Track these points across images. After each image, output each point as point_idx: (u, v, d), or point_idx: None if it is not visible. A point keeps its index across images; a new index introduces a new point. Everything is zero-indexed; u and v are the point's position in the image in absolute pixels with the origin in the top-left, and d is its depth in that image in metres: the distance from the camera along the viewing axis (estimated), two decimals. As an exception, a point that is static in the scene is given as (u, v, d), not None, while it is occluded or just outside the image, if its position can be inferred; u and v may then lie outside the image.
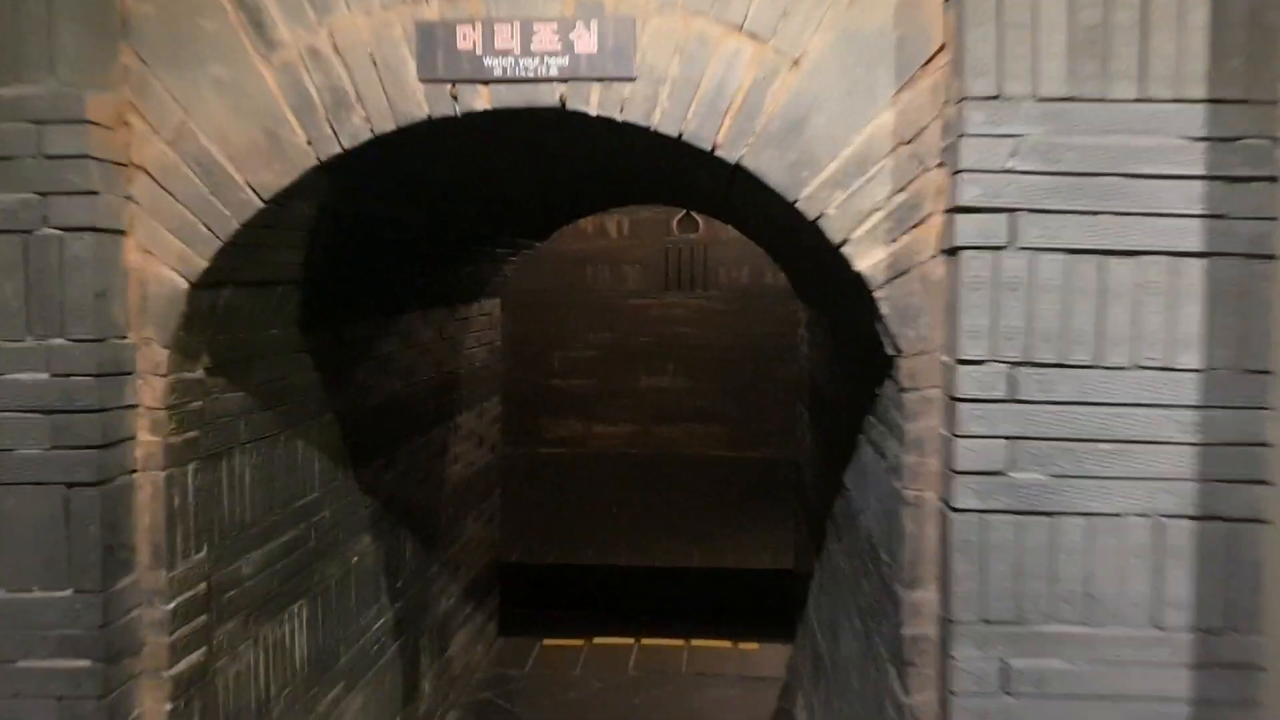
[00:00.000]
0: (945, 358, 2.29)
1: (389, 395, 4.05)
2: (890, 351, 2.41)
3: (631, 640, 5.90)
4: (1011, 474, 2.17)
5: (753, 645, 5.82)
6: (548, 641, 5.91)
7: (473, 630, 5.36)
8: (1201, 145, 2.09)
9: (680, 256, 10.47)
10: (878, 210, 2.34)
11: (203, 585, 2.65)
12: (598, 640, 5.91)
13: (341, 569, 3.59)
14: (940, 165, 2.30)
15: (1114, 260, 2.11)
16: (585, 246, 10.50)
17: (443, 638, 4.81)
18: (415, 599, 4.39)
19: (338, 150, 2.44)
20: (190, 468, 2.59)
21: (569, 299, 10.54)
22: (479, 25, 2.38)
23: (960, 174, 2.14)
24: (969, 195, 2.14)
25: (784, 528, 7.64)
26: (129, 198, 2.44)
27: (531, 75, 2.37)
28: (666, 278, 10.50)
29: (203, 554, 2.66)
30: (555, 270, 10.51)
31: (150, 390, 2.47)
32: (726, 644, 5.83)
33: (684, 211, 10.43)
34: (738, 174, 2.44)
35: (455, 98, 2.39)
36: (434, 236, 4.02)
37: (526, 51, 2.37)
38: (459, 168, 3.20)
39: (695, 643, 5.84)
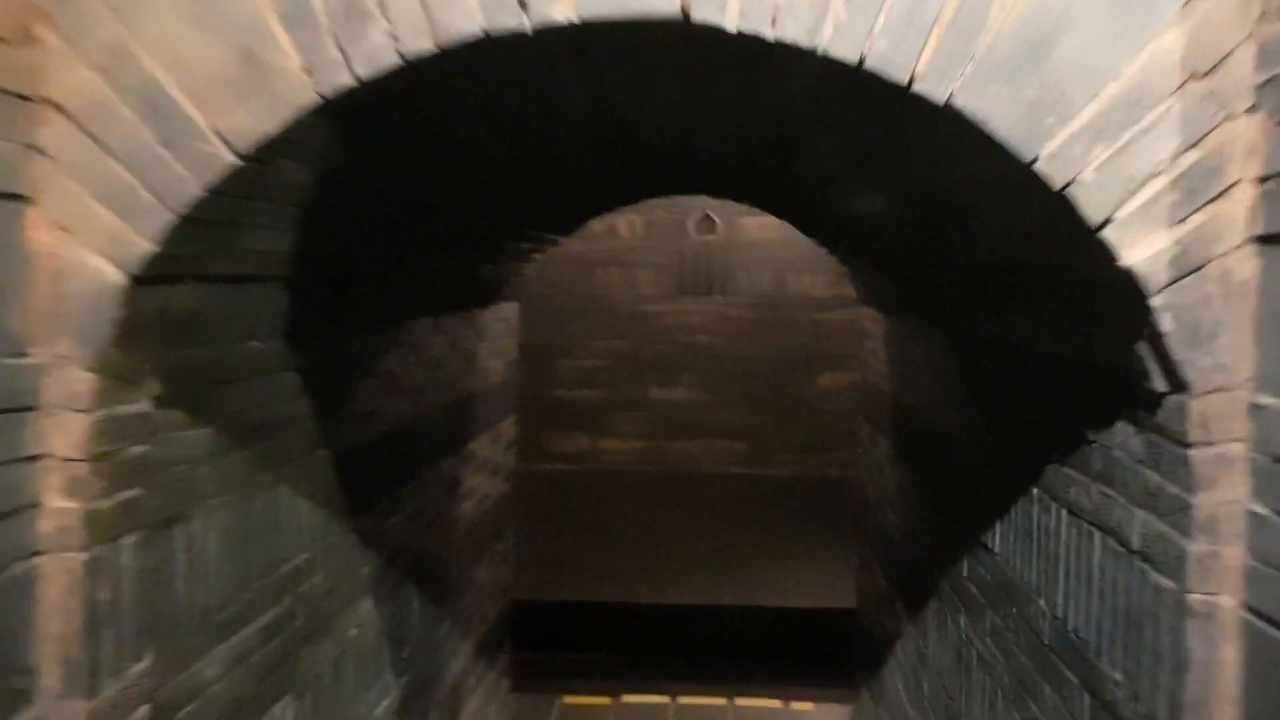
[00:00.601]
0: (1264, 398, 1.52)
1: (395, 422, 3.26)
2: (1160, 387, 1.64)
3: (666, 699, 5.11)
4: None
5: (807, 705, 5.04)
6: (569, 700, 5.11)
7: (485, 692, 4.56)
8: None
9: (697, 259, 9.71)
10: (1158, 175, 1.57)
11: (143, 709, 1.85)
12: (627, 698, 5.12)
13: (336, 648, 2.79)
14: (1253, 110, 1.54)
15: None
16: (594, 247, 9.72)
17: (453, 709, 4.02)
18: (423, 669, 3.59)
19: (348, 81, 1.66)
20: (126, 543, 1.80)
21: (576, 304, 9.76)
22: (561, -104, 1.60)
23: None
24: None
25: (822, 560, 6.88)
26: (35, 148, 1.65)
27: (640, -29, 1.60)
28: (682, 282, 9.73)
29: (144, 664, 1.86)
30: (561, 273, 9.72)
31: (65, 433, 1.68)
32: (776, 704, 5.06)
33: (701, 211, 9.67)
34: (937, 120, 1.66)
35: (524, 4, 1.61)
36: (462, 221, 3.22)
37: (633, -65, 1.59)
38: (510, 124, 2.42)
39: (741, 702, 5.06)
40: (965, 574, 2.89)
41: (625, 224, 9.73)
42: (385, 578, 3.17)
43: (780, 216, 4.68)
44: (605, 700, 5.08)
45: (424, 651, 3.59)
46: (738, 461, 9.67)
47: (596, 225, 9.78)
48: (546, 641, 5.97)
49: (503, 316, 4.71)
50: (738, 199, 4.71)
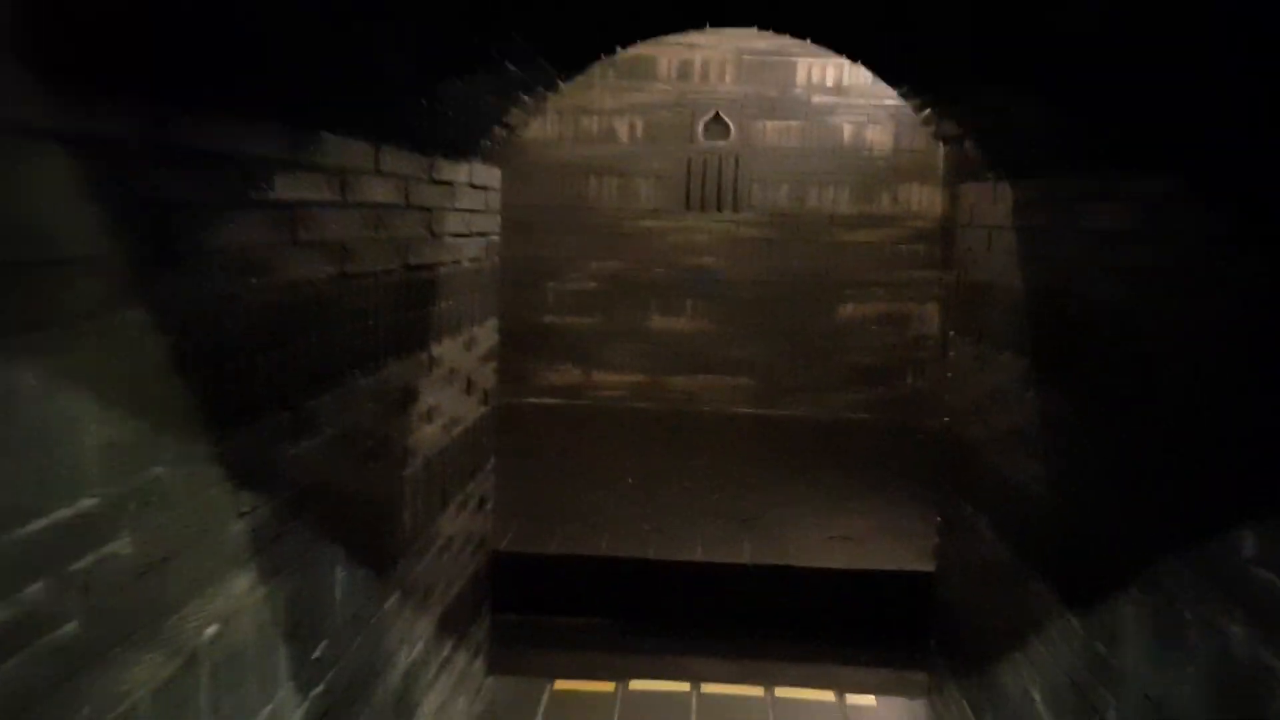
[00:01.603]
0: None
1: (299, 288, 2.02)
2: None
3: (685, 686, 3.94)
4: None
5: (867, 699, 3.88)
6: (561, 685, 3.94)
7: (451, 681, 3.38)
8: None
9: (705, 169, 8.43)
10: None
11: None
12: (636, 684, 3.95)
13: (172, 662, 1.57)
14: None
15: None
16: (588, 153, 8.42)
17: (403, 716, 2.82)
18: (352, 669, 2.38)
19: None
20: None
21: (567, 219, 8.48)
22: None
23: None
24: None
25: (855, 513, 5.72)
26: None
27: None
28: (688, 195, 8.46)
29: None
30: (550, 182, 8.43)
31: None
32: (828, 695, 3.89)
33: (712, 111, 8.37)
34: None
35: None
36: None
37: None
38: None
39: (781, 692, 3.90)
40: (1250, 556, 1.69)
41: (624, 126, 8.42)
42: (280, 537, 1.95)
43: (853, 45, 3.40)
44: (607, 687, 3.91)
45: (354, 640, 2.39)
46: (746, 400, 8.48)
47: (592, 126, 8.49)
48: (533, 607, 4.80)
49: (481, 182, 3.45)
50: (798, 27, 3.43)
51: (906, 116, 8.12)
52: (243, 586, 1.81)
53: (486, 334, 3.65)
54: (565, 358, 8.54)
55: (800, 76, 8.33)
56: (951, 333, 3.76)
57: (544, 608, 4.80)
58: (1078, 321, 2.52)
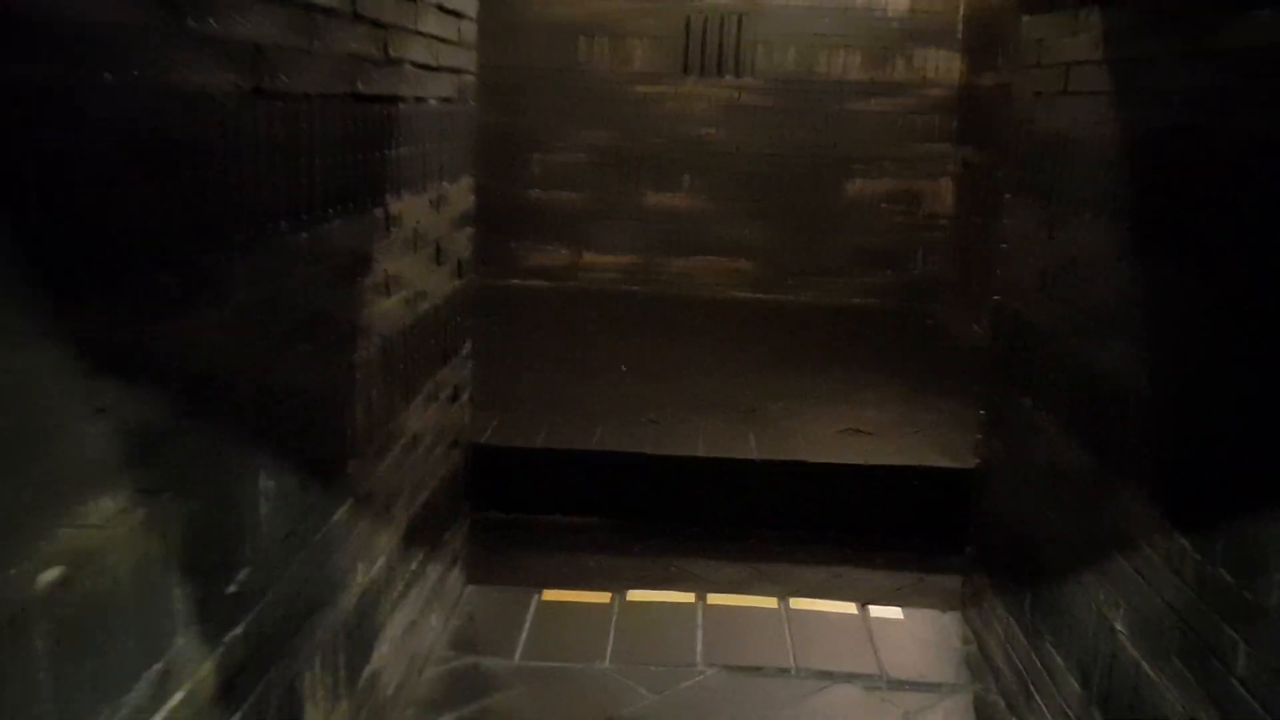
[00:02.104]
0: None
1: (193, 103, 1.45)
2: None
3: (690, 597, 3.50)
4: None
5: (893, 611, 3.45)
6: (550, 594, 3.49)
7: (423, 595, 2.91)
8: None
9: (706, 29, 7.69)
10: None
11: None
12: (634, 594, 3.51)
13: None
14: None
15: None
16: (576, 11, 7.67)
17: (359, 645, 2.35)
18: (287, 596, 1.89)
19: None
20: None
21: (554, 82, 7.77)
22: None
23: None
24: None
25: (868, 404, 5.25)
26: None
27: None
28: (686, 58, 7.74)
29: None
30: (535, 41, 7.70)
31: None
32: (849, 607, 3.46)
33: (714, -34, 7.58)
34: None
35: None
36: None
37: None
38: None
39: (796, 604, 3.46)
40: None
41: (618, -19, 7.64)
42: (165, 441, 1.42)
43: None
44: (602, 597, 3.47)
45: (286, 567, 1.89)
46: (747, 284, 7.94)
47: (582, -19, 7.69)
48: (518, 507, 4.34)
49: (453, 5, 2.83)
50: None
51: (926, -27, 7.38)
52: (107, 511, 1.28)
53: (460, 194, 3.06)
54: (552, 237, 7.94)
55: (811, -73, 7.54)
56: (1008, 195, 3.19)
57: (530, 507, 4.34)
58: (1208, 170, 1.97)
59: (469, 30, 3.02)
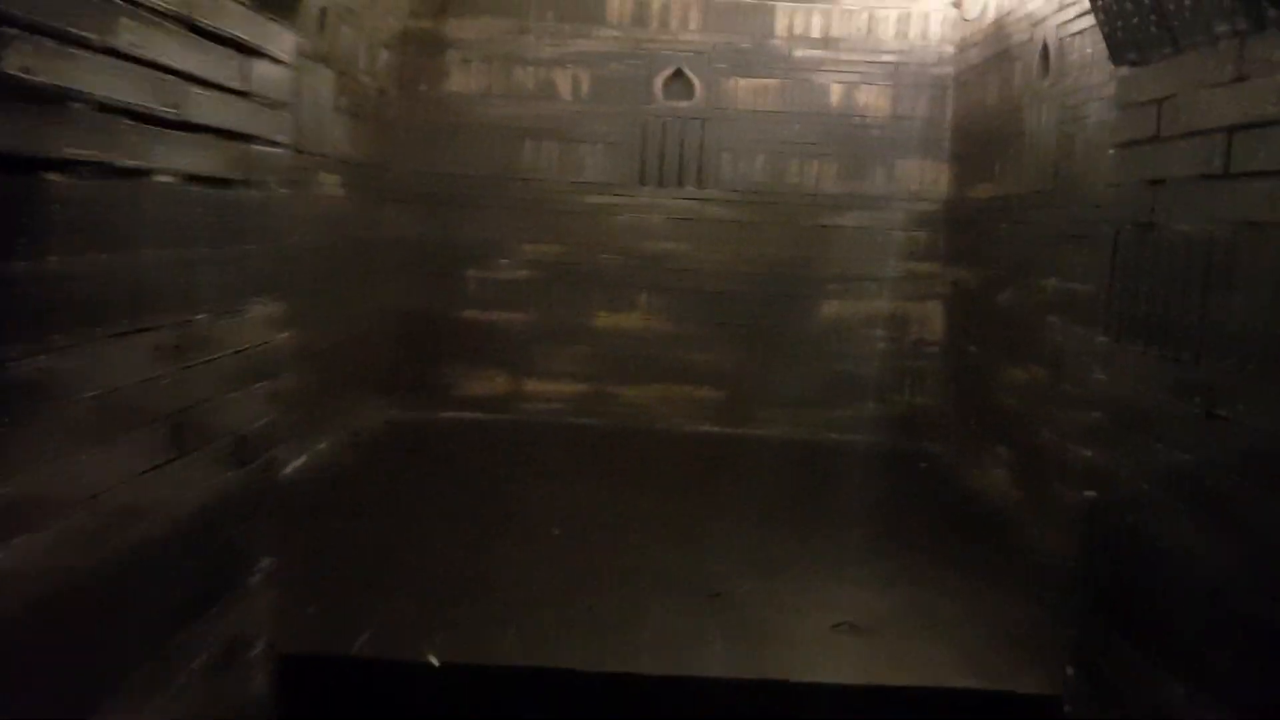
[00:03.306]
0: None
1: None
2: None
3: None
4: None
5: None
6: None
7: None
8: None
9: (664, 135, 6.75)
10: None
11: None
12: None
13: None
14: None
15: None
16: (522, 112, 6.72)
17: None
18: None
19: None
20: None
21: (495, 192, 6.76)
22: None
23: None
24: None
25: (858, 584, 4.09)
26: None
27: None
28: (643, 167, 6.78)
29: None
30: (475, 146, 6.72)
31: None
32: None
33: (673, 66, 6.70)
34: None
35: None
36: None
37: None
38: None
39: None
40: None
41: (566, 81, 6.72)
42: None
43: None
44: None
45: None
46: (711, 417, 6.82)
47: (525, 80, 6.75)
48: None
49: (231, 32, 1.74)
50: None
51: (907, 75, 6.53)
52: None
53: (248, 330, 1.93)
54: (490, 363, 6.81)
55: (780, 24, 6.69)
56: (1103, 339, 2.09)
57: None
58: None
59: (272, 79, 1.93)
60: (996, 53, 5.75)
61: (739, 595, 3.89)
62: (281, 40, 2.00)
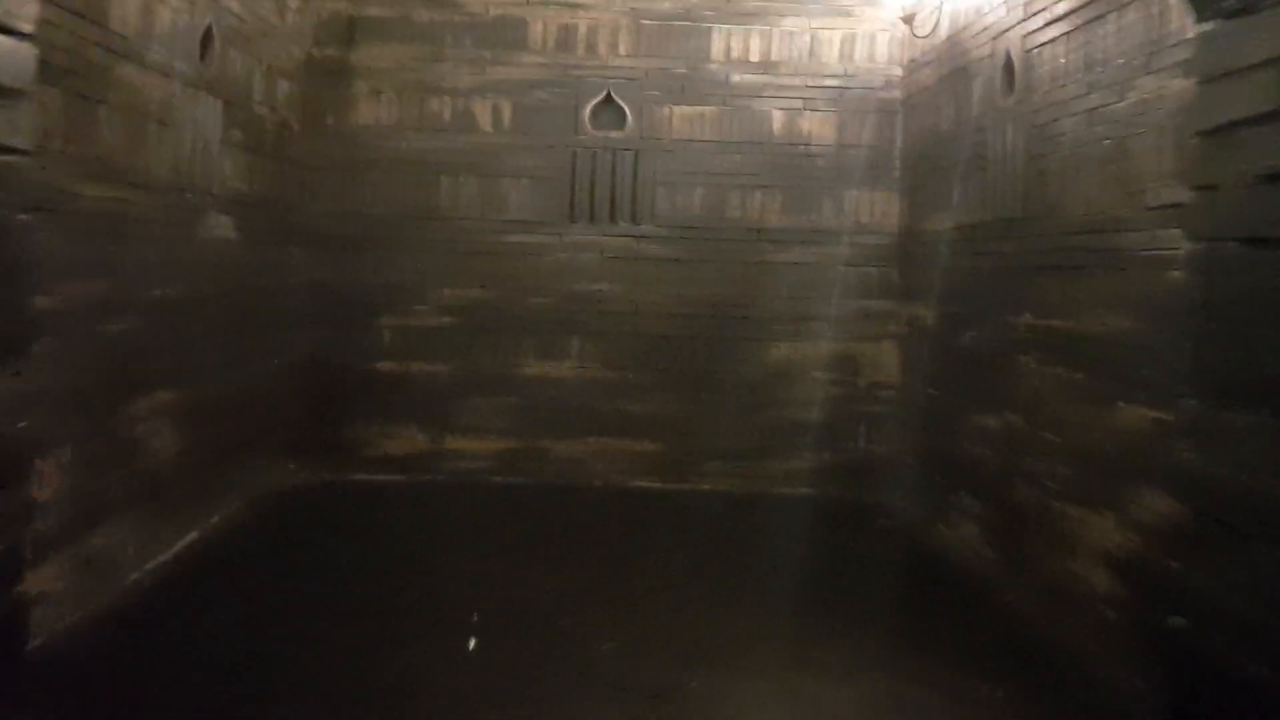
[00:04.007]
0: None
1: None
2: None
3: None
4: None
5: None
6: None
7: None
8: None
9: (595, 168, 6.20)
10: None
11: None
12: None
13: None
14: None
15: None
16: (439, 146, 6.13)
17: None
18: None
19: None
20: None
21: (410, 232, 6.15)
22: None
23: None
24: None
25: (825, 676, 3.50)
26: None
27: None
28: (572, 202, 6.21)
29: None
30: (387, 184, 6.11)
31: None
32: None
33: (603, 92, 6.17)
34: None
35: None
36: None
37: None
38: None
39: None
40: None
41: (486, 111, 6.15)
42: None
43: None
44: None
45: None
46: (651, 471, 6.22)
47: (441, 110, 6.15)
48: None
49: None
50: None
51: (853, 100, 6.07)
52: None
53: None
54: (407, 418, 6.15)
55: (716, 48, 6.21)
56: (1193, 400, 1.54)
57: None
58: None
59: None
60: (951, 71, 5.30)
61: (688, 696, 3.27)
62: (19, 3, 1.39)
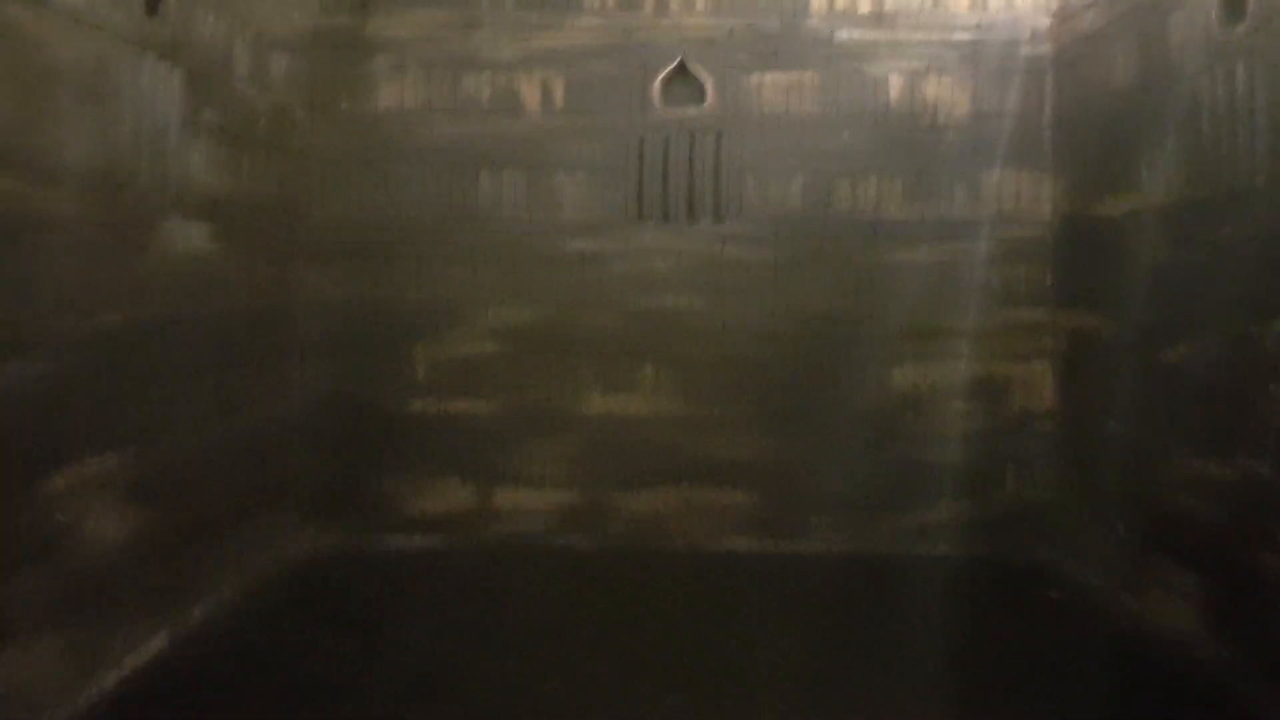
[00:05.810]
0: None
1: None
2: None
3: None
4: None
5: None
6: None
7: None
8: None
9: (667, 154, 5.02)
10: None
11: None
12: None
13: None
14: None
15: None
16: (476, 133, 5.01)
17: None
18: None
19: None
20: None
21: (446, 239, 5.04)
22: None
23: None
24: None
25: None
26: None
27: None
28: (641, 198, 5.04)
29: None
30: (417, 180, 5.02)
31: None
32: None
33: (675, 60, 5.00)
34: None
35: None
36: None
37: None
38: None
39: None
40: None
41: (533, 88, 5.02)
42: None
43: None
44: None
45: None
46: (744, 528, 5.00)
47: (479, 89, 5.00)
48: None
49: None
50: None
51: (991, 58, 4.80)
52: None
53: None
54: (448, 468, 5.02)
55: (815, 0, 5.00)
56: None
57: None
58: None
59: None
60: (1131, 7, 4.02)
61: None
62: None
